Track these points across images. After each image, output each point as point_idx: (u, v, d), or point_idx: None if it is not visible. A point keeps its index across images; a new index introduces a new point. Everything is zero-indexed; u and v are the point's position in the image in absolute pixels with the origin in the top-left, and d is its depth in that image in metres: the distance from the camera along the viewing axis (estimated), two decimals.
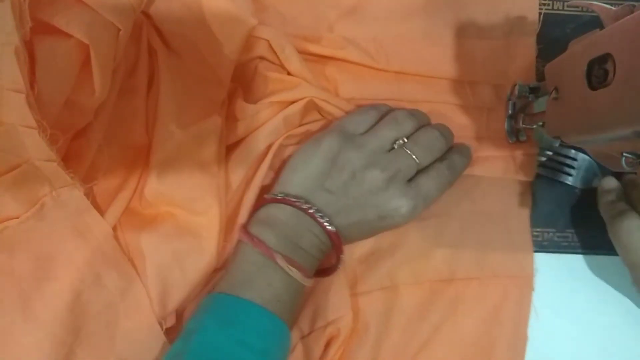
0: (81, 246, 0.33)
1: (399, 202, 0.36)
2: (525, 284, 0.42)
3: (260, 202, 0.37)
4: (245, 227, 0.36)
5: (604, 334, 0.43)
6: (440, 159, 0.39)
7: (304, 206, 0.35)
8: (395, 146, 0.37)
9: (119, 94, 0.37)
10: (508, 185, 0.43)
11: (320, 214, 0.35)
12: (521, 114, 0.41)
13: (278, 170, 0.41)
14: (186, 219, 0.37)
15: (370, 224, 0.37)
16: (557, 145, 0.42)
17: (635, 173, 0.33)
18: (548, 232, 0.44)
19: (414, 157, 0.37)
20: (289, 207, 0.36)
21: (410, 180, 0.37)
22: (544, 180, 0.44)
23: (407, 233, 0.42)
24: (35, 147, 0.30)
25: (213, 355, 0.31)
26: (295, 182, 0.37)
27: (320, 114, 0.42)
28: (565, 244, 0.44)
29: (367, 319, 0.41)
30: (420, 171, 0.38)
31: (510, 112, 0.42)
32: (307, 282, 0.35)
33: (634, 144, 0.31)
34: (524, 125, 0.41)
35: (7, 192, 0.31)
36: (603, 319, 0.43)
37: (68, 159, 0.34)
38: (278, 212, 0.36)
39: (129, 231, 0.36)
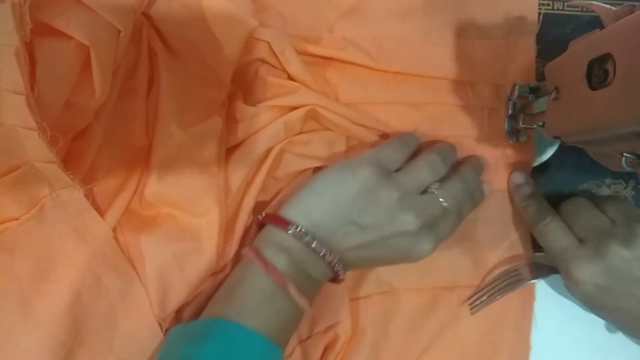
0: (81, 247, 0.33)
1: (425, 247, 0.36)
2: (527, 292, 0.43)
3: (274, 220, 0.36)
4: (256, 249, 0.35)
5: (603, 334, 0.43)
6: None
7: (322, 252, 0.35)
8: (429, 190, 0.37)
9: (119, 94, 0.37)
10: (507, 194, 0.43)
11: (336, 262, 0.35)
12: (521, 114, 0.41)
13: (293, 185, 0.41)
14: (186, 220, 0.37)
15: (387, 259, 0.37)
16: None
17: (635, 172, 0.33)
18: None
19: (444, 204, 0.37)
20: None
21: None
22: (543, 180, 0.44)
23: None
24: (35, 148, 0.30)
25: None
26: (321, 207, 0.35)
27: (319, 122, 0.42)
28: None
29: (366, 322, 0.41)
30: None
31: (510, 112, 0.42)
32: (309, 310, 0.35)
33: (633, 144, 0.31)
34: (524, 125, 0.41)
35: (7, 193, 0.31)
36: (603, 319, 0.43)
37: (68, 160, 0.34)
38: (293, 239, 0.35)
39: (129, 232, 0.36)
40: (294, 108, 0.40)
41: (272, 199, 0.41)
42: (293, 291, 0.33)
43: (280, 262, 0.34)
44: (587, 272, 0.36)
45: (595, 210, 0.39)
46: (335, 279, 0.38)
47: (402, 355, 0.41)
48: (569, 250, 0.38)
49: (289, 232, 0.35)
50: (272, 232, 0.36)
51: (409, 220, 0.35)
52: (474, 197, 0.40)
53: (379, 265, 0.40)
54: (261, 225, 0.38)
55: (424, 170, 0.38)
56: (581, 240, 0.38)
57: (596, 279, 0.36)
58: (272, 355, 0.33)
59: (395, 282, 0.42)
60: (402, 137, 0.40)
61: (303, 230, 0.35)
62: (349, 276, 0.41)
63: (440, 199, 0.37)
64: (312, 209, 0.36)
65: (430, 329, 0.41)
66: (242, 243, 0.39)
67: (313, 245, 0.34)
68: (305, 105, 0.40)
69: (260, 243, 0.36)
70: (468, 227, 0.43)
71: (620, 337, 0.42)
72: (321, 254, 0.35)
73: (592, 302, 0.38)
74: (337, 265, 0.35)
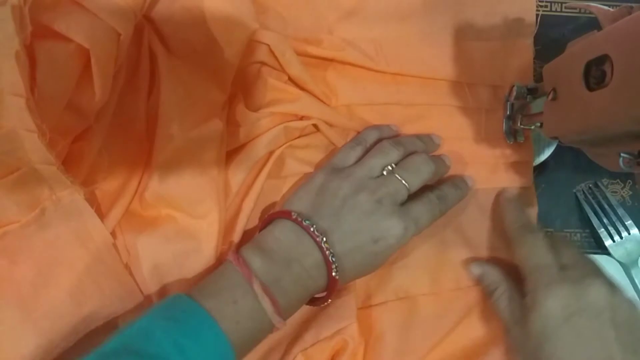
0: (81, 253, 0.33)
1: (390, 222, 0.36)
2: None
3: (268, 218, 0.37)
4: (237, 248, 0.36)
5: None
6: (431, 188, 0.40)
7: (319, 237, 0.35)
8: (385, 172, 0.38)
9: (120, 97, 0.37)
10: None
11: (330, 252, 0.35)
12: (519, 115, 0.41)
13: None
14: (186, 221, 0.37)
15: (364, 249, 0.36)
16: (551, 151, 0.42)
17: (633, 173, 0.33)
18: (545, 232, 0.44)
19: (402, 181, 0.38)
20: (290, 230, 0.35)
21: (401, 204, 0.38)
22: (541, 180, 0.44)
23: (416, 244, 0.42)
24: (35, 150, 0.30)
25: (142, 343, 0.30)
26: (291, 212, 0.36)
27: (319, 130, 0.42)
28: None
29: (382, 328, 0.41)
30: (411, 197, 0.38)
31: (508, 113, 0.42)
32: (276, 321, 0.33)
33: (631, 144, 0.31)
34: (521, 126, 0.41)
35: (7, 195, 0.31)
36: None
37: (68, 162, 0.34)
38: (275, 237, 0.35)
39: (129, 232, 0.37)
40: (295, 115, 0.40)
41: (273, 202, 0.42)
42: (257, 287, 0.33)
43: (253, 258, 0.34)
44: (562, 293, 0.35)
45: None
46: (325, 295, 0.37)
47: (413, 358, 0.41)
48: (550, 269, 0.37)
49: (293, 216, 0.35)
50: (258, 236, 0.37)
51: (363, 200, 0.36)
52: (455, 183, 0.41)
53: (364, 262, 0.37)
54: (263, 227, 0.38)
55: (373, 157, 0.39)
56: (562, 267, 0.37)
57: (568, 301, 0.35)
58: (217, 344, 0.31)
59: (411, 289, 0.42)
60: (356, 138, 0.42)
61: (303, 216, 0.36)
62: (361, 286, 0.41)
63: (397, 176, 0.38)
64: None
65: (443, 331, 0.41)
66: (241, 244, 0.39)
67: (312, 229, 0.35)
68: (307, 118, 0.41)
69: (245, 245, 0.36)
70: (470, 228, 0.43)
71: None
72: (317, 239, 0.35)
73: (550, 327, 0.35)
74: (331, 256, 0.35)
